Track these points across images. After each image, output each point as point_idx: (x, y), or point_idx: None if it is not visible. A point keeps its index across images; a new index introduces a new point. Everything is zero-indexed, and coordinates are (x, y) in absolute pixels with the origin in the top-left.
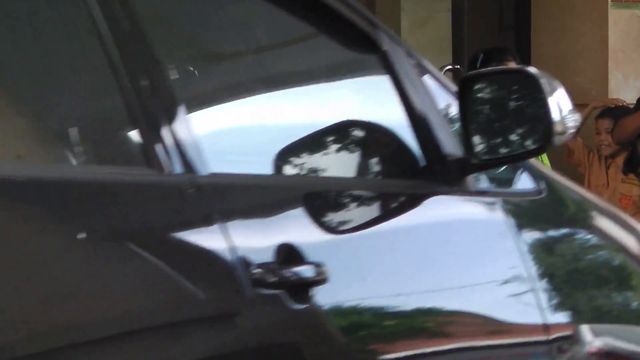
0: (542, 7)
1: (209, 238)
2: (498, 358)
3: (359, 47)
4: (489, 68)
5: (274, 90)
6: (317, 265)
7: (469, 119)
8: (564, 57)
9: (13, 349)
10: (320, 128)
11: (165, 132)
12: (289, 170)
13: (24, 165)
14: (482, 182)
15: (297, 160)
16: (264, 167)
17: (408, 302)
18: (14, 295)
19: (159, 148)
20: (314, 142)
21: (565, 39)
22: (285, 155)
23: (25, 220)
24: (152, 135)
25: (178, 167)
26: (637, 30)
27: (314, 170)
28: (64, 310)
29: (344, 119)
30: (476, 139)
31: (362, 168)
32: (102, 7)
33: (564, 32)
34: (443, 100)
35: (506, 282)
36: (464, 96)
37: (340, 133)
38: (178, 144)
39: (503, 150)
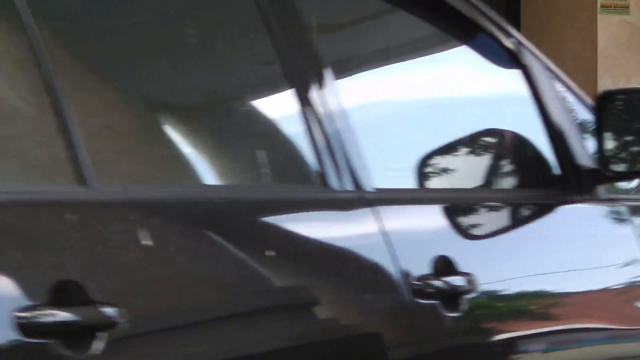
0: (532, 11)
1: (374, 250)
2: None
3: (503, 62)
4: (626, 87)
5: (426, 106)
6: (468, 275)
7: (604, 132)
8: (553, 61)
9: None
10: (461, 137)
11: (337, 152)
12: (431, 178)
13: (218, 188)
14: (610, 190)
15: (439, 169)
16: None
17: (550, 304)
18: (214, 295)
19: (331, 167)
20: (455, 150)
21: (555, 43)
22: (428, 163)
23: (221, 236)
24: (325, 155)
25: (348, 184)
26: (626, 36)
27: (456, 179)
28: (261, 311)
29: (486, 129)
30: (610, 152)
31: (503, 177)
32: (270, 30)
33: (553, 37)
34: (579, 113)
35: (627, 265)
36: (600, 110)
37: (481, 142)
38: (348, 163)
39: (635, 164)
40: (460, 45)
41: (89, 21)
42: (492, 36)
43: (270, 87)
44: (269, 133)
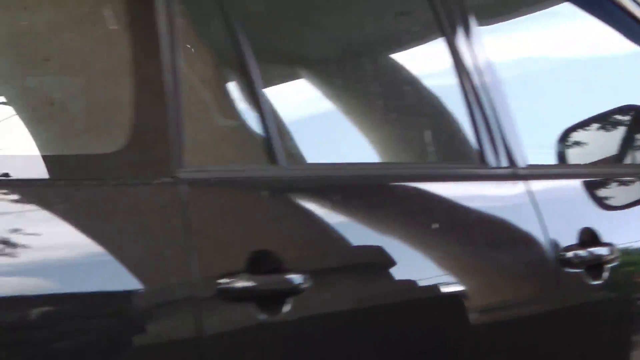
0: None
1: (526, 222)
2: None
3: None
4: None
5: (569, 82)
6: (610, 245)
7: None
8: None
9: None
10: (600, 113)
11: (494, 131)
12: (575, 154)
13: (390, 165)
14: None
15: (581, 144)
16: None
17: None
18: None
19: (489, 146)
20: (594, 125)
21: None
22: (569, 137)
23: (392, 209)
24: (483, 135)
25: (504, 161)
26: None
27: (596, 154)
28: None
29: (623, 105)
30: None
31: (638, 151)
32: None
33: None
34: None
35: None
36: None
37: (618, 118)
38: (505, 142)
39: None
40: (600, 22)
41: (279, 18)
42: (634, 16)
43: (439, 74)
44: (434, 115)
